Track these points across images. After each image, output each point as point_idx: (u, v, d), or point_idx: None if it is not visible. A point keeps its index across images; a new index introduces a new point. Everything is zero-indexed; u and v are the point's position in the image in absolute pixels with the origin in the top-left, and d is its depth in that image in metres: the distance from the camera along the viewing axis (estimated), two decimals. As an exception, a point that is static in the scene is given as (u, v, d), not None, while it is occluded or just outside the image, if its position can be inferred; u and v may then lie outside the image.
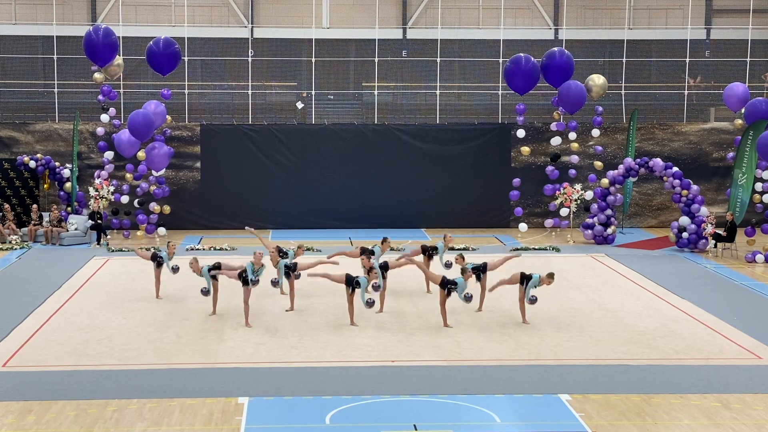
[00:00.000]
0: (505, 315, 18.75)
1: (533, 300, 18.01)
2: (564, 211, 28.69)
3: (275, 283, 19.18)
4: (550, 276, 17.96)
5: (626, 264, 24.41)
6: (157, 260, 20.13)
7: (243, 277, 17.93)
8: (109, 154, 28.37)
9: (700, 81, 32.05)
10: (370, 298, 17.55)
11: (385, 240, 20.55)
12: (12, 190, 29.00)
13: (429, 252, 20.54)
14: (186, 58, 30.08)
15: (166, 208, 28.83)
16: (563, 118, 29.07)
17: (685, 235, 26.39)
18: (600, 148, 29.49)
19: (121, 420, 12.92)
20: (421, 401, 13.73)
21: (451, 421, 13.00)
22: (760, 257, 24.96)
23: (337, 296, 19.11)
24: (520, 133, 29.37)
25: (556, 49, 27.90)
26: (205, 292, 18.62)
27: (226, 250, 26.04)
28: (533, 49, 29.44)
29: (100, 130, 28.81)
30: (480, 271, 18.95)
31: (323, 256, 22.23)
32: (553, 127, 29.17)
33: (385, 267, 19.14)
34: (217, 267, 18.73)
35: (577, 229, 28.65)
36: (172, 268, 20.09)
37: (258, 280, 18.09)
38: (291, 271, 19.02)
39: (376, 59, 31.08)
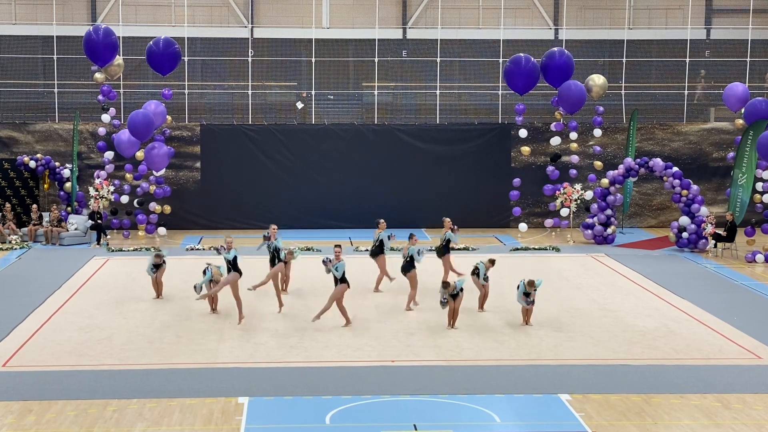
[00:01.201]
0: (505, 315, 18.76)
1: (530, 302, 18.03)
2: (564, 211, 28.69)
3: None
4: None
5: (626, 264, 24.40)
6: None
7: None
8: (109, 154, 28.36)
9: (703, 76, 32.03)
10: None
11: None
12: (12, 190, 28.99)
13: (443, 250, 20.77)
14: (186, 58, 30.07)
15: (167, 208, 28.83)
16: (563, 119, 29.08)
17: (685, 235, 26.39)
18: (599, 148, 29.49)
19: (121, 420, 12.93)
20: (421, 401, 13.73)
21: (451, 421, 13.00)
22: (760, 257, 24.96)
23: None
24: (523, 133, 29.39)
25: (556, 49, 27.91)
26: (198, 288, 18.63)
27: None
28: (533, 49, 29.44)
29: (100, 130, 28.81)
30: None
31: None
32: (553, 127, 29.17)
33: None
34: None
35: (577, 229, 28.63)
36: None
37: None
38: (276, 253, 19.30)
39: (376, 59, 31.07)
